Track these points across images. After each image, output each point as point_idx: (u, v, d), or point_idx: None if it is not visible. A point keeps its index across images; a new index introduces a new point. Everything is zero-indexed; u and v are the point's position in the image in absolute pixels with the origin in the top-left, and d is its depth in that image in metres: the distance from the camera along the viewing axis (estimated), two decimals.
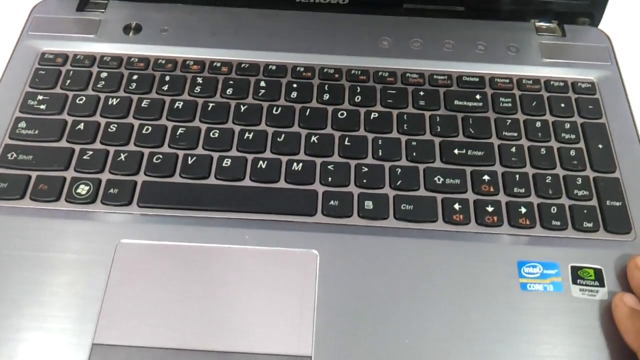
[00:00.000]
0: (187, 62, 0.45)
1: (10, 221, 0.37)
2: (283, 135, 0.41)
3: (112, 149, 0.40)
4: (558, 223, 0.38)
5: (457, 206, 0.38)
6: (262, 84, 0.44)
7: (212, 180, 0.39)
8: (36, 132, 0.41)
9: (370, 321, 0.34)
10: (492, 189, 0.39)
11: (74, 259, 0.36)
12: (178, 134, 0.41)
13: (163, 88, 0.43)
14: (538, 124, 0.42)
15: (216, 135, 0.41)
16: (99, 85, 0.43)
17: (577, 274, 0.36)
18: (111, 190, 0.38)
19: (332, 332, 0.34)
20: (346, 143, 0.41)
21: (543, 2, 0.48)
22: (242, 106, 0.42)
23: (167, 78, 0.44)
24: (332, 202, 0.38)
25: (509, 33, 0.47)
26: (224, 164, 0.39)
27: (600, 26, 0.48)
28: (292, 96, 0.43)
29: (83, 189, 0.38)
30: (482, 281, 0.35)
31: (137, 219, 0.37)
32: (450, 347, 0.33)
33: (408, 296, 0.35)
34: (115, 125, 0.41)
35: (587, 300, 0.35)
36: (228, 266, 0.36)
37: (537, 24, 0.48)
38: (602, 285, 0.35)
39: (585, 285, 0.35)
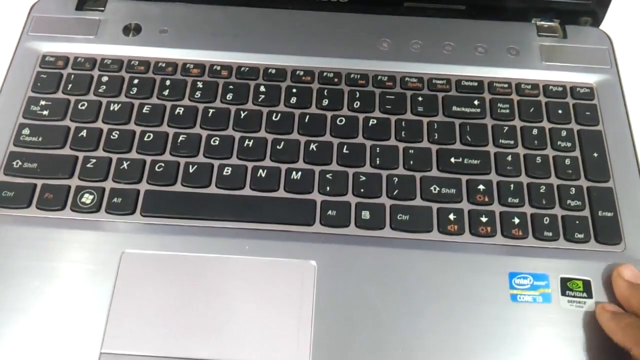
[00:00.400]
0: (187, 65, 0.45)
1: (17, 230, 0.38)
2: (282, 143, 0.41)
3: (114, 157, 0.41)
4: (550, 234, 0.39)
5: (452, 216, 0.39)
6: (262, 88, 0.44)
7: (213, 189, 0.40)
8: (40, 139, 0.41)
9: (366, 331, 0.35)
10: (486, 199, 0.40)
11: (80, 268, 0.37)
12: (179, 141, 0.41)
13: (164, 93, 0.43)
14: (535, 132, 0.42)
15: (217, 142, 0.41)
16: (100, 90, 0.43)
17: (566, 286, 0.37)
18: (115, 200, 0.39)
19: (329, 342, 0.35)
20: (344, 151, 0.41)
21: (546, 1, 0.47)
22: (242, 112, 0.43)
23: (168, 82, 0.44)
24: (330, 212, 0.39)
25: (510, 34, 0.47)
26: (224, 173, 0.40)
27: (602, 26, 0.48)
28: (291, 102, 0.43)
29: (87, 198, 0.39)
30: (475, 292, 0.37)
31: (140, 229, 0.38)
32: (442, 358, 0.35)
33: (402, 307, 0.36)
34: (117, 132, 0.42)
35: (574, 312, 0.36)
36: (229, 276, 0.37)
37: (539, 23, 0.48)
38: (589, 296, 0.37)
39: (574, 297, 0.37)
